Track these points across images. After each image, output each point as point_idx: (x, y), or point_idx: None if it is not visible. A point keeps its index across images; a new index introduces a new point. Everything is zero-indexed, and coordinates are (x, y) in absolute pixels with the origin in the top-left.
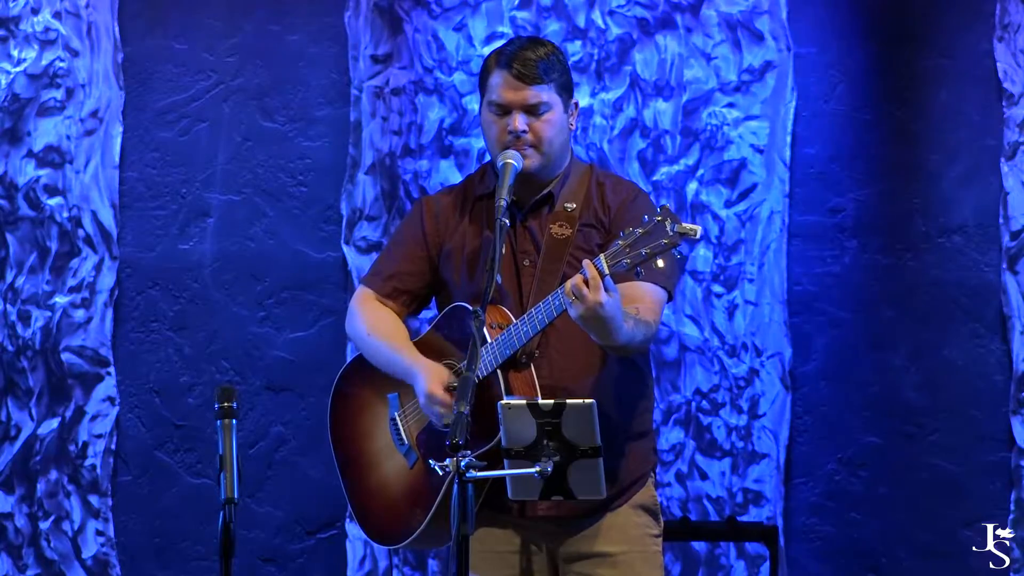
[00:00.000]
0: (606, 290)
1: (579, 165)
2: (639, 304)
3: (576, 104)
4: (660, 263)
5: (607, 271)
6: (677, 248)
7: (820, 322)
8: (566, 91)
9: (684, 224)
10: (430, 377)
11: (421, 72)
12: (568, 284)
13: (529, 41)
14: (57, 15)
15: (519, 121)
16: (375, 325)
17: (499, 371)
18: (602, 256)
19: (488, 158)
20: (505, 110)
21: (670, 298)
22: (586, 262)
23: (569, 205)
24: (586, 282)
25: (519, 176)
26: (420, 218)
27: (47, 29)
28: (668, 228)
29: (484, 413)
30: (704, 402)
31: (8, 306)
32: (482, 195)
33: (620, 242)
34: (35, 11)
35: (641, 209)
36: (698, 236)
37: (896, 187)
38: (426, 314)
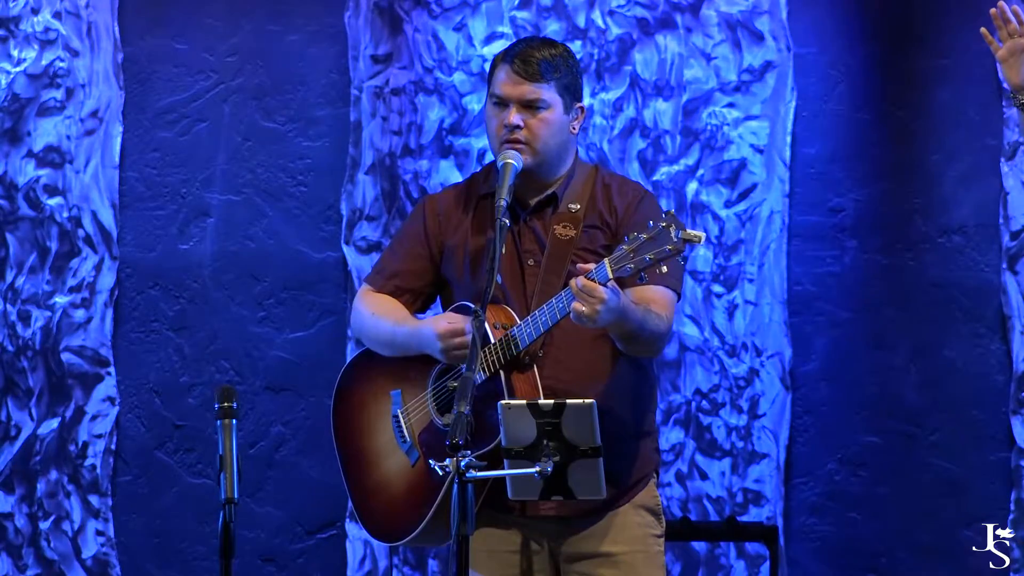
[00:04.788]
0: (601, 286)
1: (584, 166)
2: (650, 304)
3: (582, 108)
4: (664, 268)
5: (611, 276)
6: (682, 254)
7: (820, 322)
8: (569, 93)
9: (689, 231)
10: (434, 323)
11: (421, 72)
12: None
13: (539, 41)
14: (57, 15)
15: (514, 116)
16: (377, 308)
17: (502, 371)
18: (606, 261)
19: (489, 157)
20: (504, 103)
21: (678, 297)
22: (572, 281)
23: (573, 206)
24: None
25: (522, 176)
26: (422, 217)
27: (47, 29)
28: (673, 234)
29: (486, 413)
30: (704, 402)
31: (8, 306)
32: (486, 194)
33: (624, 247)
34: (35, 11)
35: (648, 211)
36: (702, 242)
37: (896, 187)
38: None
